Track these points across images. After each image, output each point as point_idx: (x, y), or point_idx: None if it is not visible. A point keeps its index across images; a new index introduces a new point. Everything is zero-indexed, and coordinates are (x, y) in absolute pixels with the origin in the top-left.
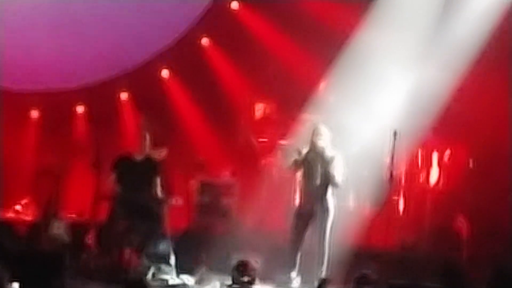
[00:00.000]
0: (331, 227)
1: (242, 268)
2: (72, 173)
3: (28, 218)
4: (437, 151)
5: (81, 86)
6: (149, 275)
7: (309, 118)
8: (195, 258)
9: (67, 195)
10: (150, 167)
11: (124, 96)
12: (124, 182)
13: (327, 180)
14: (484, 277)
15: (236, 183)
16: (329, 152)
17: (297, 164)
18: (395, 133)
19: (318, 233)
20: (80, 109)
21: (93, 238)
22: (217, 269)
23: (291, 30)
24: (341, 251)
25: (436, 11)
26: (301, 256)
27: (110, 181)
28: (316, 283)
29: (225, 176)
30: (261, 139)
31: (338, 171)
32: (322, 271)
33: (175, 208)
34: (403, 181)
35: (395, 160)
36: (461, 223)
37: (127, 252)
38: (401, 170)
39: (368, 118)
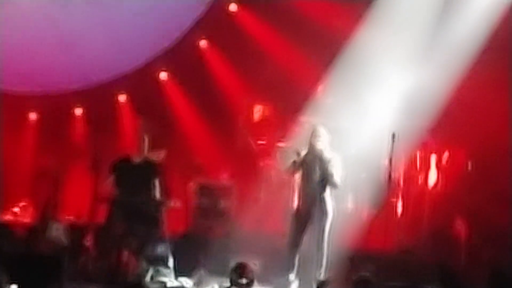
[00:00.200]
0: (330, 229)
1: (240, 271)
2: (70, 175)
3: (26, 220)
4: (436, 153)
5: (80, 88)
6: (148, 278)
7: (308, 120)
8: (194, 261)
9: (66, 197)
10: (148, 170)
11: (122, 98)
12: (122, 185)
13: (326, 182)
14: (482, 280)
15: (234, 185)
16: (327, 154)
17: (295, 166)
18: (393, 135)
19: (316, 235)
20: (78, 111)
21: (92, 241)
22: (216, 271)
23: (289, 32)
24: (339, 253)
25: (434, 13)
26: (299, 259)
27: (108, 184)
28: (314, 286)
29: (224, 178)
30: (259, 142)
31: (337, 172)
32: (320, 274)
33: (173, 211)
34: (401, 183)
35: (393, 162)
36: (460, 226)
37: (126, 254)
38: (400, 172)
39: (367, 120)
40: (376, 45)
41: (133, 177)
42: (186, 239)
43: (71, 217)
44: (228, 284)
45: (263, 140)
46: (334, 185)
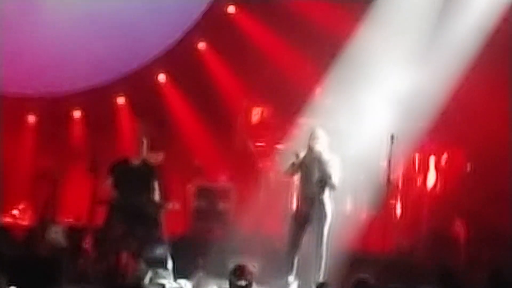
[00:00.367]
0: (328, 231)
1: (239, 272)
2: (69, 177)
3: (25, 222)
4: (434, 155)
5: (78, 90)
6: (147, 280)
7: (306, 122)
8: (192, 263)
9: (64, 199)
10: (147, 172)
11: (121, 100)
12: (121, 187)
13: (324, 183)
14: (481, 281)
15: (233, 187)
16: (326, 155)
17: (294, 168)
18: (392, 137)
19: (315, 237)
20: (77, 113)
21: (90, 243)
22: (214, 273)
23: (287, 34)
24: (338, 255)
25: (432, 15)
26: (298, 260)
27: (107, 186)
28: (313, 287)
29: (222, 180)
30: (258, 144)
31: (335, 173)
32: (319, 275)
33: (172, 213)
34: (400, 185)
35: (392, 164)
36: (459, 227)
37: (124, 256)
38: (399, 174)
39: (365, 121)
40: (374, 47)
41: (132, 179)
42: (185, 241)
43: (70, 219)
44: (227, 286)
45: (261, 142)
46: (332, 186)
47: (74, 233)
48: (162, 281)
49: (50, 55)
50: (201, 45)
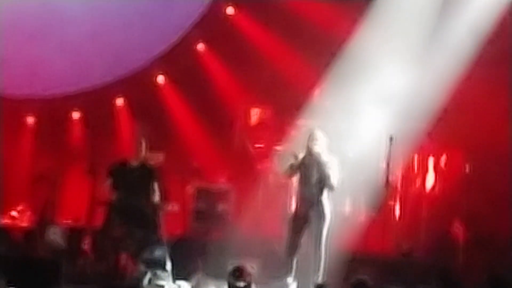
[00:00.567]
0: (327, 232)
1: (238, 274)
2: (68, 179)
3: (24, 224)
4: (433, 156)
5: (77, 92)
6: (146, 281)
7: (305, 123)
8: (191, 264)
9: (63, 201)
10: (146, 173)
11: (120, 102)
12: (120, 188)
13: (323, 185)
14: (480, 282)
15: (232, 188)
16: (325, 157)
17: (293, 169)
18: (391, 138)
19: (314, 238)
20: (76, 115)
21: (89, 244)
22: (213, 274)
23: (286, 35)
24: (337, 256)
25: (431, 16)
26: (297, 262)
27: (106, 187)
28: None
29: (221, 181)
30: (257, 145)
31: (334, 174)
32: (318, 277)
33: (171, 214)
34: (399, 186)
35: (391, 165)
36: (457, 229)
37: (123, 257)
38: (397, 175)
39: (364, 123)
40: (373, 48)
41: (131, 180)
42: (184, 243)
43: (69, 221)
44: (226, 287)
45: (260, 144)
46: (331, 187)
47: (73, 235)
48: (161, 282)
49: (49, 56)
50: (200, 47)
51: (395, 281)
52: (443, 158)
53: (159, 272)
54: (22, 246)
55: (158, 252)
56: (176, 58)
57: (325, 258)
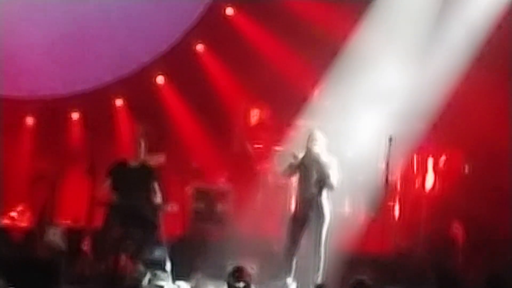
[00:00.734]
0: (327, 233)
1: (237, 274)
2: (67, 179)
3: (24, 224)
4: (433, 156)
5: (76, 92)
6: (145, 282)
7: (304, 123)
8: (191, 264)
9: (63, 201)
10: (145, 174)
11: (119, 102)
12: (119, 189)
13: (323, 185)
14: (479, 283)
15: (231, 189)
16: (324, 157)
17: (292, 170)
18: (390, 139)
19: (313, 238)
20: (75, 115)
21: (89, 245)
22: (213, 275)
23: (286, 35)
24: (336, 256)
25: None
26: (296, 262)
27: (105, 188)
28: None
29: (220, 182)
30: (256, 145)
31: (333, 174)
32: (317, 277)
33: (170, 215)
34: (398, 186)
35: (390, 166)
36: (457, 229)
37: (123, 258)
38: (397, 175)
39: (363, 123)
40: (373, 48)
41: (130, 181)
42: (183, 243)
43: (68, 221)
44: (226, 287)
45: (260, 144)
46: (330, 187)
47: (72, 235)
48: (161, 283)
49: (49, 57)
50: (200, 47)
51: (394, 281)
52: (442, 159)
53: (158, 272)
54: (22, 247)
55: (158, 253)
56: (176, 59)
57: (325, 258)
